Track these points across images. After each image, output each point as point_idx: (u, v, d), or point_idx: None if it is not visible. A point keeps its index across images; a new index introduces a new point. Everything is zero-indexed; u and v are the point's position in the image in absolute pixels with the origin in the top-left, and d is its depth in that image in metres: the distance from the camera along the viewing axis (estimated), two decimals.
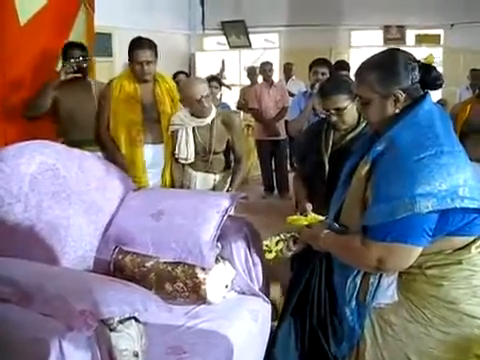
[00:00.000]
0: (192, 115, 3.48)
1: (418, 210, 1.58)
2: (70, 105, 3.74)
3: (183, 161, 3.59)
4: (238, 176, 3.58)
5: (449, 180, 1.60)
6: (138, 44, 3.61)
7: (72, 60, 3.71)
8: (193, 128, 3.50)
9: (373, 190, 1.68)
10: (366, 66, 1.86)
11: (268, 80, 6.85)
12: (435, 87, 1.84)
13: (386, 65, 1.81)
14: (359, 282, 1.86)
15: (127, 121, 3.65)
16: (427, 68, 1.81)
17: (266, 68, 6.88)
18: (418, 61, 1.83)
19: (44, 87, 3.70)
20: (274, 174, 7.09)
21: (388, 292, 1.80)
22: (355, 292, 1.87)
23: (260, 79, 7.16)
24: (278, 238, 2.48)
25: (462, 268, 1.72)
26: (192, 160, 3.56)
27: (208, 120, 3.47)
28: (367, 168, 1.74)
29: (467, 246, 1.72)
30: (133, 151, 3.67)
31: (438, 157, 1.63)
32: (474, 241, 1.73)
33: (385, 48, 1.93)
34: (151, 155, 3.73)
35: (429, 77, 1.81)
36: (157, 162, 3.75)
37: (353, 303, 1.88)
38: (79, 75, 3.80)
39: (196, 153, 3.53)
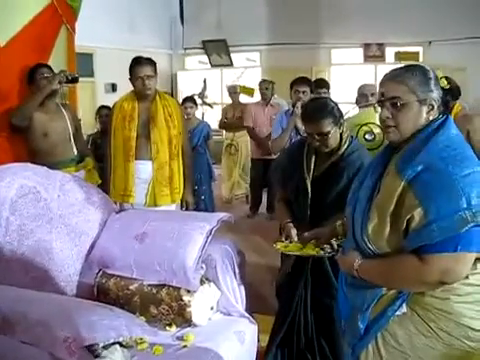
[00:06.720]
0: None
1: (478, 221, 1.62)
2: (44, 124, 3.74)
3: None
4: None
5: None
6: (137, 61, 3.75)
7: (66, 71, 3.76)
8: None
9: (422, 209, 1.67)
10: (404, 69, 1.86)
11: (265, 98, 6.74)
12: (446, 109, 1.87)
13: (424, 73, 1.83)
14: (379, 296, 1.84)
15: (124, 137, 3.76)
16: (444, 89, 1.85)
17: (263, 86, 6.80)
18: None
19: (33, 95, 3.69)
20: (265, 193, 6.99)
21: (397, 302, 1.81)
22: (372, 303, 1.85)
23: (241, 98, 7.12)
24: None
25: (469, 283, 1.73)
26: None
27: None
28: (401, 188, 1.72)
29: (474, 262, 1.73)
30: (126, 166, 3.76)
31: (478, 174, 1.68)
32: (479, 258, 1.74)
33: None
34: (139, 171, 3.78)
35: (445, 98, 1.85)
36: (142, 178, 3.78)
37: (367, 314, 1.86)
38: (71, 85, 3.87)
39: None
